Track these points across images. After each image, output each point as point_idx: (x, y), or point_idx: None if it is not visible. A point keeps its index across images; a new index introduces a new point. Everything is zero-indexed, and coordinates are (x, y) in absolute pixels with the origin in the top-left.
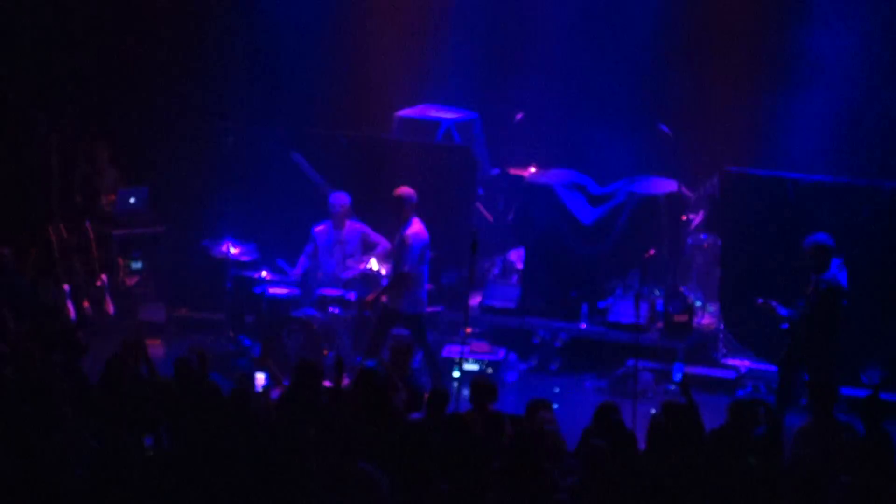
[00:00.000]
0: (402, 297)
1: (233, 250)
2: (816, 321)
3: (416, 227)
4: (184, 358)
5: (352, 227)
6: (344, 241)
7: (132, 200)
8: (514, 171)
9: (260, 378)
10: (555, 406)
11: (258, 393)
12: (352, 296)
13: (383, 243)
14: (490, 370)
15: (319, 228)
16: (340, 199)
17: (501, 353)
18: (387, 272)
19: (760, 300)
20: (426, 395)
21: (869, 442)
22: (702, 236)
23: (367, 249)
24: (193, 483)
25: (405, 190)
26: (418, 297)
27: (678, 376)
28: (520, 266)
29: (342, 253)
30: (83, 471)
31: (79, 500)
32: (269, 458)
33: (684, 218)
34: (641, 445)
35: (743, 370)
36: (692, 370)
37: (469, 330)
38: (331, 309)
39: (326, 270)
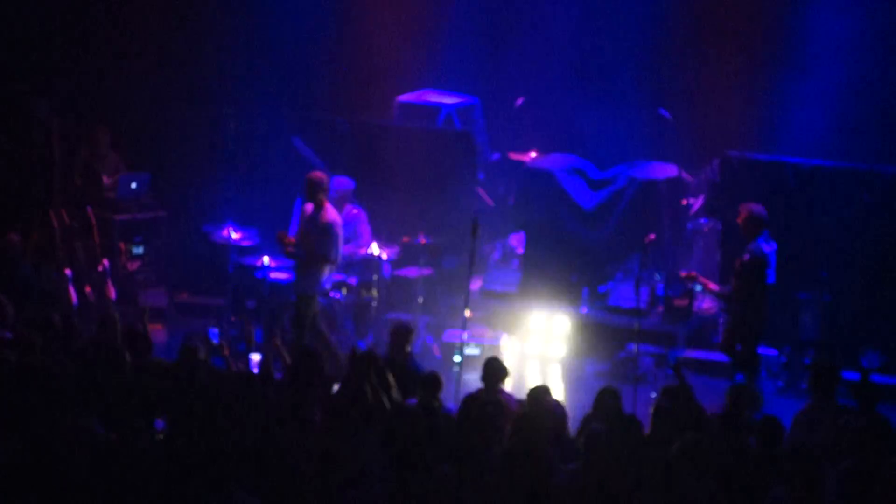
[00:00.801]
0: (301, 277)
1: (234, 235)
2: (742, 290)
3: (333, 212)
4: (189, 344)
5: (349, 211)
6: (345, 223)
7: (133, 185)
8: (514, 156)
9: (255, 358)
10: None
11: (256, 374)
12: (353, 280)
13: (366, 236)
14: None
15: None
16: (339, 184)
17: (502, 338)
18: (388, 257)
19: (685, 271)
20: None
21: (867, 426)
22: (702, 221)
23: (356, 236)
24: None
25: (318, 174)
26: (319, 281)
27: (672, 359)
28: (520, 251)
29: (345, 236)
30: (86, 456)
31: (82, 485)
32: (272, 440)
33: (684, 202)
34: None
35: None
36: (692, 354)
37: (470, 314)
38: (332, 294)
39: None
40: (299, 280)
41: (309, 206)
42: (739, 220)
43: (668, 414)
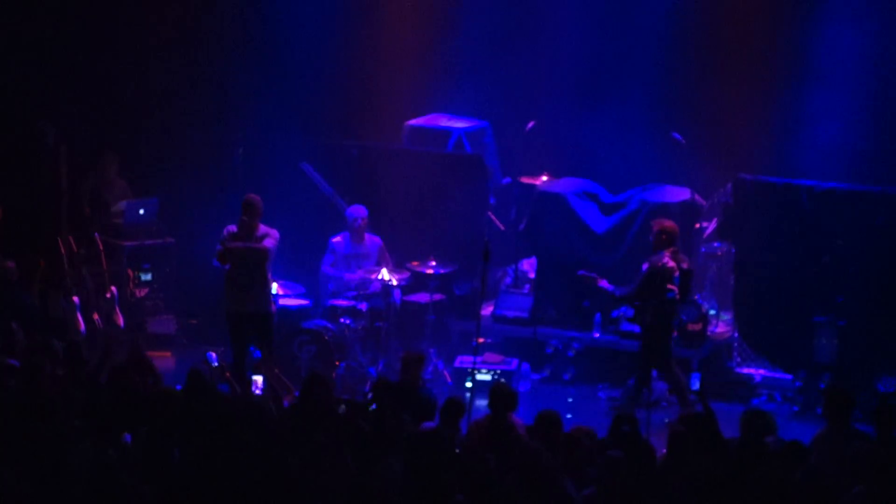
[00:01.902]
0: (261, 296)
1: None
2: (638, 297)
3: (272, 230)
4: (196, 369)
5: (371, 239)
6: (365, 254)
7: (141, 212)
8: (525, 180)
9: (258, 380)
10: (568, 416)
11: (259, 397)
12: (363, 307)
13: (387, 258)
14: (502, 380)
15: (337, 239)
16: (360, 212)
17: (514, 363)
18: (399, 283)
19: (582, 272)
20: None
21: (882, 450)
22: (715, 244)
23: (381, 262)
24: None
25: (255, 196)
26: (271, 297)
27: (696, 385)
28: (532, 275)
29: (364, 266)
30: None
31: None
32: (280, 468)
33: (697, 226)
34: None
35: (757, 379)
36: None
37: (481, 340)
38: (342, 320)
39: (343, 282)
40: (262, 298)
41: (233, 227)
42: (653, 233)
43: (686, 440)
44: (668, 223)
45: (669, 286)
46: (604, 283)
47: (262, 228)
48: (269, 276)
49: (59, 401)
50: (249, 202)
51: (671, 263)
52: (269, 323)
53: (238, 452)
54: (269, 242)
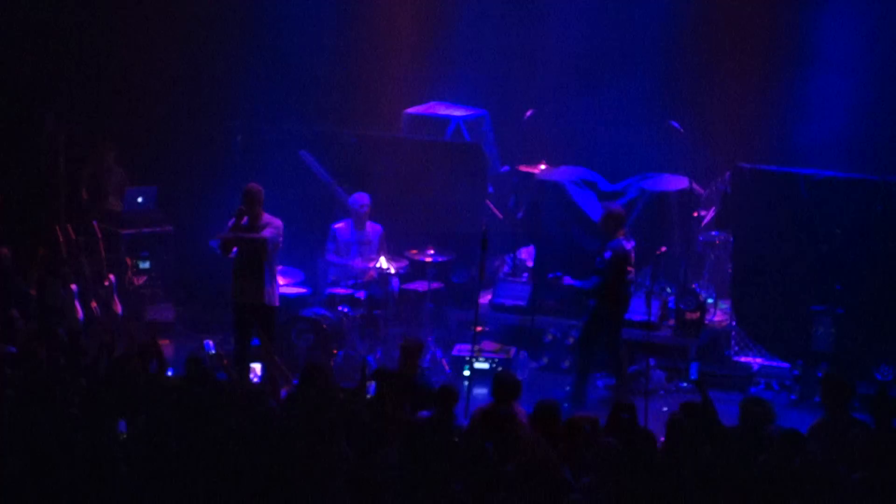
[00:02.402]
0: (264, 289)
1: None
2: (605, 286)
3: (277, 220)
4: (195, 357)
5: (372, 227)
6: (367, 241)
7: (140, 200)
8: (524, 169)
9: (256, 368)
10: (565, 406)
11: (257, 384)
12: (361, 295)
13: (385, 246)
14: (500, 369)
15: (339, 226)
16: (364, 199)
17: (512, 352)
18: (397, 271)
19: (551, 275)
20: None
21: (880, 439)
22: (713, 233)
23: (381, 250)
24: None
25: (256, 185)
26: (275, 291)
27: (694, 374)
28: (530, 264)
29: (365, 253)
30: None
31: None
32: (278, 456)
33: (696, 214)
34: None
35: (755, 367)
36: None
37: (479, 328)
38: (340, 308)
39: (346, 269)
40: (260, 290)
41: (244, 218)
42: (601, 220)
43: (684, 428)
44: (613, 208)
45: (629, 268)
46: (568, 280)
47: (265, 217)
48: (272, 267)
49: (57, 388)
50: (248, 191)
51: (629, 246)
52: (269, 315)
53: (235, 440)
54: (267, 232)
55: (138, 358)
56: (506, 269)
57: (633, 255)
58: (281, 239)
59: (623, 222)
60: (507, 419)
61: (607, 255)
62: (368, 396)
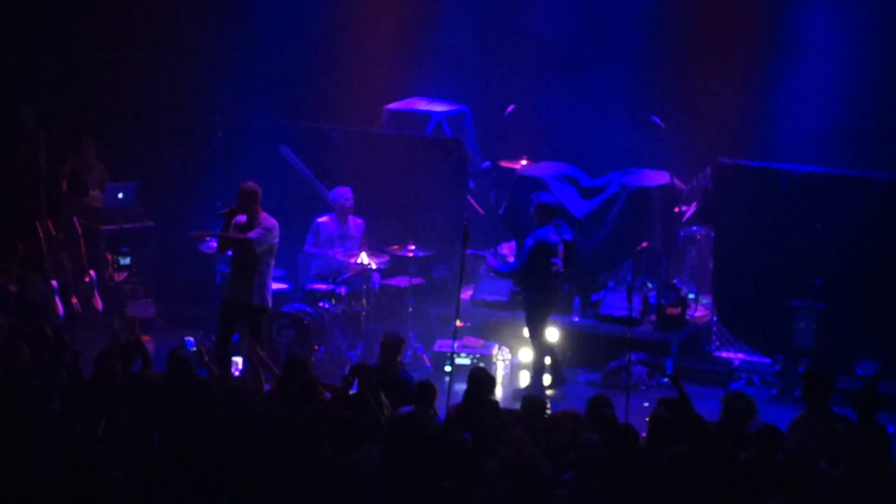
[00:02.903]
0: (253, 288)
1: None
2: (522, 272)
3: (271, 219)
4: (177, 353)
5: (354, 221)
6: (350, 235)
7: (120, 196)
8: (505, 164)
9: (237, 361)
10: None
11: (237, 379)
12: (342, 290)
13: (366, 241)
14: (481, 364)
15: (323, 220)
16: (348, 192)
17: (493, 347)
18: (378, 266)
19: (472, 251)
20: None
21: (863, 434)
22: (694, 228)
23: (363, 244)
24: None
25: (253, 184)
26: (265, 291)
27: (670, 369)
28: (511, 259)
29: (348, 247)
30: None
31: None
32: (261, 450)
33: (677, 210)
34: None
35: (736, 362)
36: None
37: (461, 324)
38: (321, 303)
39: (327, 259)
40: (248, 290)
41: (242, 217)
42: (533, 208)
43: (666, 424)
44: (544, 199)
45: (553, 260)
46: (491, 261)
47: (262, 216)
48: (264, 267)
49: (39, 385)
50: (242, 190)
51: (554, 237)
52: (258, 315)
53: (216, 437)
54: (253, 234)
55: (120, 356)
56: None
57: (561, 248)
58: (276, 240)
59: (555, 213)
60: (484, 414)
61: (529, 241)
62: (351, 393)
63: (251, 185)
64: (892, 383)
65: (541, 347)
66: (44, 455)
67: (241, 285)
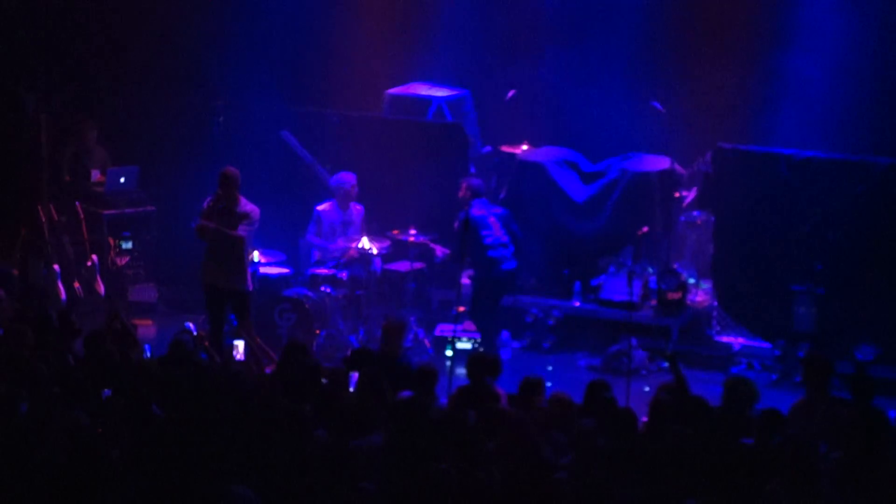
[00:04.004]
0: (238, 275)
1: None
2: (455, 253)
3: (250, 204)
4: (178, 339)
5: (355, 207)
6: (351, 221)
7: (122, 180)
8: (505, 149)
9: (239, 345)
10: (548, 384)
11: (239, 364)
12: (343, 275)
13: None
14: (482, 349)
15: (324, 207)
16: (351, 178)
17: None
18: (379, 251)
19: (415, 234)
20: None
21: (860, 418)
22: (695, 213)
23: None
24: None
25: (233, 169)
26: (248, 275)
27: (669, 347)
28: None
29: (349, 233)
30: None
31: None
32: (261, 435)
33: (677, 195)
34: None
35: (736, 347)
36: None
37: (461, 309)
38: (322, 288)
39: (328, 250)
40: (236, 277)
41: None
42: (461, 190)
43: (668, 408)
44: (467, 179)
45: (483, 232)
46: (439, 251)
47: (242, 202)
48: (245, 253)
49: (42, 368)
50: (225, 175)
51: (478, 211)
52: (244, 300)
53: (216, 421)
54: (243, 230)
55: (115, 339)
56: None
57: (490, 218)
58: (256, 226)
59: (477, 193)
60: (486, 397)
61: (460, 217)
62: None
63: (232, 169)
64: (891, 368)
65: (488, 327)
66: (46, 438)
67: (223, 272)
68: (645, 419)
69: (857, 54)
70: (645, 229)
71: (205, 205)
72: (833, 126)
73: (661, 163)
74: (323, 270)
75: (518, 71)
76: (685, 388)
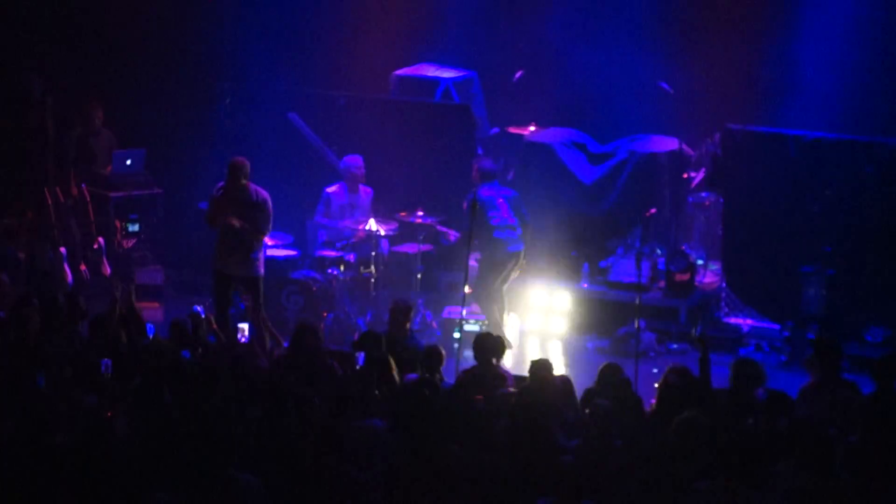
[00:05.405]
0: (251, 262)
1: None
2: (476, 236)
3: (263, 190)
4: (179, 320)
5: (364, 190)
6: (359, 204)
7: (129, 162)
8: (513, 130)
9: (244, 328)
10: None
11: (244, 346)
12: (351, 257)
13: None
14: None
15: (333, 189)
16: (359, 161)
17: None
18: (387, 233)
19: (422, 216)
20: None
21: (878, 401)
22: (703, 194)
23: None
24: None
25: (241, 159)
26: (262, 260)
27: (698, 330)
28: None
29: (357, 216)
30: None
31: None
32: (269, 419)
33: (685, 176)
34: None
35: (745, 328)
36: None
37: (469, 290)
38: (330, 270)
39: (337, 230)
40: (249, 263)
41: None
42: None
43: (677, 390)
44: (484, 162)
45: (490, 213)
46: (452, 235)
47: (254, 190)
48: (259, 246)
49: (49, 352)
50: (235, 165)
51: (487, 193)
52: (257, 284)
53: (223, 403)
54: (264, 226)
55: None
56: None
57: (498, 200)
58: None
59: (488, 175)
60: (493, 379)
61: (468, 197)
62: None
63: (241, 159)
64: None
65: (492, 308)
66: (59, 421)
67: (235, 260)
68: (653, 401)
69: (867, 35)
70: (653, 210)
71: (216, 192)
72: (842, 106)
73: (670, 144)
74: (330, 253)
75: (525, 51)
76: (707, 373)
